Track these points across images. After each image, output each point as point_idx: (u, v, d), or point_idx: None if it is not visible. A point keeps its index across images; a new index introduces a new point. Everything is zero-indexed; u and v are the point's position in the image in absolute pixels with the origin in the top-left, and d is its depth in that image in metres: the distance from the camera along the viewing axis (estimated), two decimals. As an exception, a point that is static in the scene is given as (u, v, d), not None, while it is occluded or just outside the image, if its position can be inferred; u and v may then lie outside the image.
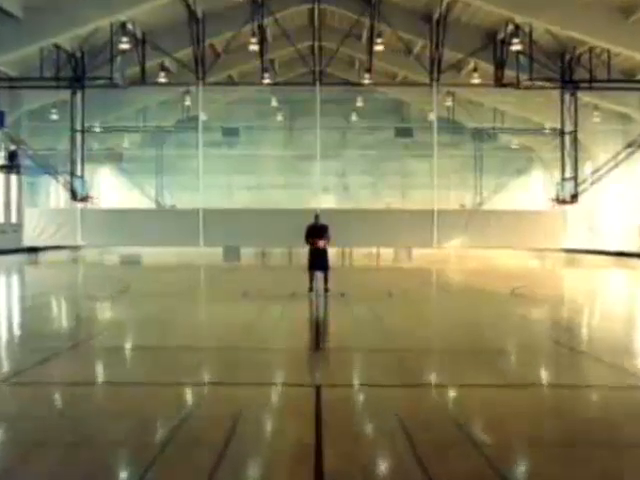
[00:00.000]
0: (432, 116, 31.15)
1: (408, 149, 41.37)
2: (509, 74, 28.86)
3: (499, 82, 28.72)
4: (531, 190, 39.05)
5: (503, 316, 11.87)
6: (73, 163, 28.69)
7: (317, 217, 14.93)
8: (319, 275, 14.73)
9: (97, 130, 35.29)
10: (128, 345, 9.20)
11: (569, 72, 28.07)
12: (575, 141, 28.50)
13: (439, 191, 33.47)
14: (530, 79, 27.26)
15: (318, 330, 10.39)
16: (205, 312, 12.66)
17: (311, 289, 14.49)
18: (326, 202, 34.31)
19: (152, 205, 39.79)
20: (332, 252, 15.08)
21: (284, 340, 9.30)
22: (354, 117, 41.73)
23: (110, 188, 39.75)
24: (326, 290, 14.42)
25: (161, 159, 40.75)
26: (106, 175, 40.07)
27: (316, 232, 14.65)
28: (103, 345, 8.85)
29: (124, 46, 27.47)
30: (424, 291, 16.52)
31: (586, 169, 32.34)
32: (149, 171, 40.71)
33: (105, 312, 12.67)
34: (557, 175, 31.65)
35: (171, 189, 40.77)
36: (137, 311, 12.32)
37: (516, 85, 28.05)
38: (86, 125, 32.54)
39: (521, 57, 27.51)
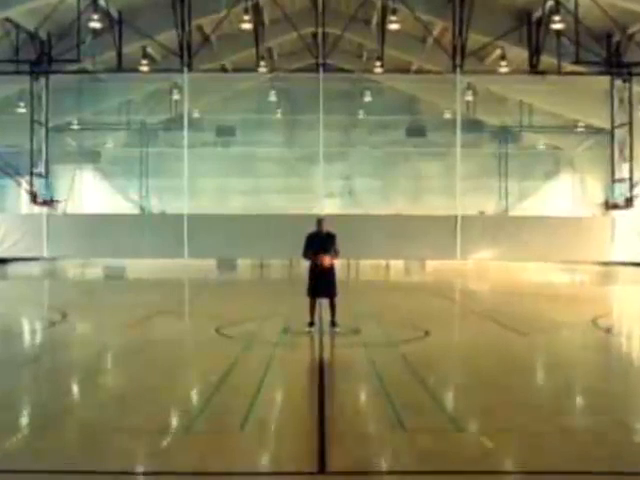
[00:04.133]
0: (455, 109, 27.17)
1: (421, 149, 37.30)
2: (545, 61, 24.74)
3: (535, 69, 24.49)
4: (560, 195, 34.80)
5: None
6: (33, 161, 24.47)
7: (320, 223, 10.76)
8: (323, 302, 10.57)
9: (70, 125, 31.12)
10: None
11: (616, 56, 23.90)
12: (631, 136, 24.21)
13: (453, 197, 29.51)
14: (576, 62, 23.01)
15: (322, 414, 6.09)
16: (143, 366, 8.40)
17: (312, 323, 10.37)
18: (330, 207, 30.49)
19: (135, 211, 35.65)
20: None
21: (258, 442, 5.12)
22: (361, 114, 37.76)
23: (89, 191, 35.56)
24: (333, 324, 10.31)
25: (146, 159, 36.61)
26: (85, 177, 35.88)
27: (320, 243, 10.47)
28: None
29: (94, 25, 23.36)
30: (473, 324, 12.20)
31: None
32: (133, 173, 36.55)
33: None
34: (590, 178, 27.60)
35: (159, 193, 36.56)
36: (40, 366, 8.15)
37: (557, 71, 23.78)
38: (59, 120, 28.58)
39: (562, 39, 23.28)
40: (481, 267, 27.46)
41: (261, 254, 27.97)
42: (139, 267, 27.55)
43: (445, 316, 12.98)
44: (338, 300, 10.45)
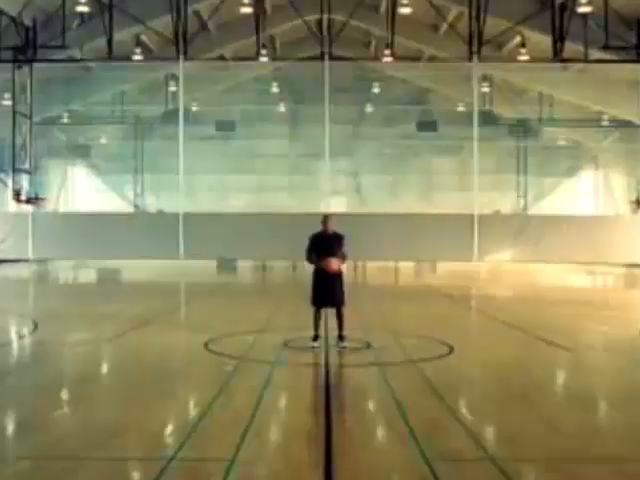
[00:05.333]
0: (469, 100, 26.12)
1: (432, 144, 36.12)
2: (570, 48, 23.50)
3: (558, 57, 23.22)
4: (582, 192, 33.50)
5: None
6: (16, 156, 23.32)
7: (326, 220, 9.50)
8: (330, 311, 9.38)
9: (60, 118, 29.96)
10: None
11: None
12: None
13: (468, 194, 28.54)
14: (605, 48, 21.71)
15: (328, 458, 4.81)
16: (107, 395, 7.15)
17: (316, 337, 9.14)
18: (336, 206, 29.56)
19: (130, 209, 34.54)
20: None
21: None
22: (369, 107, 36.61)
23: (82, 189, 34.41)
24: (341, 338, 9.11)
25: (141, 155, 35.46)
26: (77, 174, 34.73)
27: (326, 245, 9.22)
28: None
29: (82, 9, 22.20)
30: (503, 337, 10.84)
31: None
32: (127, 169, 35.39)
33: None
34: (615, 175, 26.30)
35: (156, 191, 35.39)
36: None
37: (583, 59, 22.51)
38: (47, 113, 27.48)
39: (589, 24, 22.02)
40: (497, 269, 26.13)
41: (262, 255, 27.03)
42: (133, 269, 26.39)
43: (469, 327, 11.70)
44: (346, 309, 9.23)
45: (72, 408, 6.38)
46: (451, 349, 9.00)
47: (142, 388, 6.93)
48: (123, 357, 8.78)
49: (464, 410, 6.31)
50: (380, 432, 5.72)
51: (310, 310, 9.33)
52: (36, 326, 11.16)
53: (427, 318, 12.81)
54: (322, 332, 9.46)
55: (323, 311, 9.45)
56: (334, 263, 9.14)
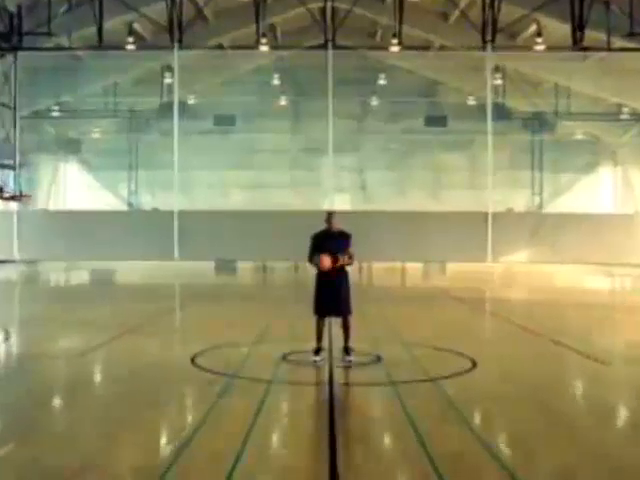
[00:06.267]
0: (481, 93, 25.27)
1: (441, 139, 35.14)
2: (590, 36, 22.57)
3: (579, 46, 22.27)
4: (600, 190, 32.51)
5: None
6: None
7: (331, 217, 8.56)
8: (334, 320, 8.55)
9: (50, 111, 29.07)
10: None
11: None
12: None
13: (478, 191, 27.73)
14: (631, 34, 20.76)
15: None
16: (71, 424, 6.20)
17: (319, 350, 8.22)
18: (340, 203, 28.77)
19: (124, 207, 33.63)
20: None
21: None
22: (375, 100, 35.66)
23: (74, 186, 33.46)
24: (347, 351, 8.22)
25: (136, 150, 34.53)
26: (69, 170, 33.79)
27: (330, 245, 8.28)
28: None
29: (70, -7, 21.33)
30: (531, 349, 9.72)
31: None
32: (121, 165, 34.46)
33: None
34: (636, 171, 25.31)
35: (151, 188, 34.44)
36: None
37: (605, 47, 21.56)
38: (36, 106, 26.61)
39: (612, 9, 21.08)
40: (509, 270, 25.15)
41: (262, 256, 26.22)
42: (127, 271, 25.50)
43: (490, 336, 10.71)
44: (352, 316, 8.30)
45: (18, 444, 5.41)
46: (474, 363, 8.05)
47: (108, 419, 5.95)
48: (92, 376, 7.84)
49: (498, 442, 5.35)
50: (396, 471, 4.78)
51: (312, 318, 8.39)
52: (7, 335, 10.23)
53: (442, 325, 11.85)
54: (326, 343, 8.54)
55: (327, 319, 8.53)
56: (325, 260, 8.15)
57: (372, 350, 8.75)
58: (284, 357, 8.40)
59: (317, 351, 8.21)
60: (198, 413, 5.89)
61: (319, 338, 8.29)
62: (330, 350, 8.61)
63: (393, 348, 9.12)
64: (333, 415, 6.07)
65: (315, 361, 8.09)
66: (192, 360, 8.11)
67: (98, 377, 7.76)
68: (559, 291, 19.25)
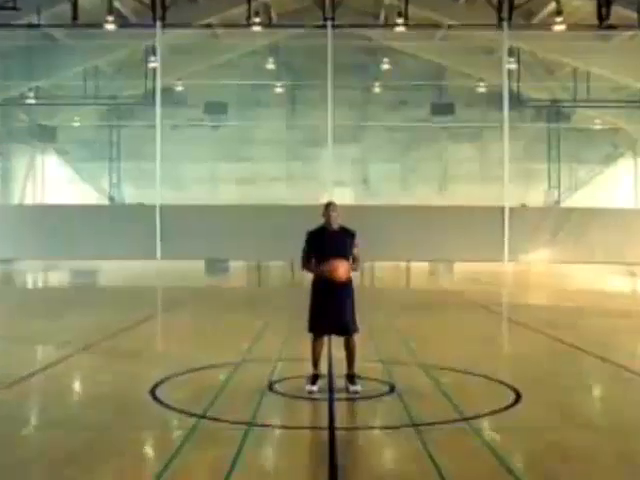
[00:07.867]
0: (492, 79, 23.83)
1: (449, 129, 34.03)
2: (617, 13, 21.14)
3: (605, 24, 20.81)
4: (621, 183, 31.25)
5: None
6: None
7: (329, 210, 6.94)
8: (335, 339, 7.02)
9: (25, 98, 27.57)
10: None
11: None
12: None
13: (488, 186, 26.60)
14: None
15: None
16: None
17: (316, 378, 6.60)
18: (340, 198, 27.31)
19: (105, 201, 32.29)
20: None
21: None
22: (377, 88, 34.62)
23: (52, 179, 32.00)
24: (352, 380, 6.61)
25: (118, 140, 33.16)
26: (47, 161, 32.34)
27: (329, 245, 6.72)
28: None
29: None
30: (589, 373, 8.04)
31: None
32: (102, 156, 33.10)
33: None
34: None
35: (135, 181, 33.11)
36: None
37: (636, 25, 20.13)
38: (8, 92, 25.15)
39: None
40: (529, 271, 23.64)
41: (255, 255, 24.88)
42: (106, 271, 23.98)
43: (530, 355, 8.94)
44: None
45: None
46: (517, 394, 6.44)
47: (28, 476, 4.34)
48: (21, 413, 6.20)
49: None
50: None
51: (308, 336, 6.81)
52: None
53: (464, 339, 10.22)
54: (324, 366, 6.97)
55: (326, 337, 6.94)
56: (341, 268, 6.58)
57: (383, 376, 7.17)
58: (270, 386, 6.80)
59: (313, 380, 6.60)
60: (150, 469, 4.26)
61: (315, 362, 6.70)
62: (329, 374, 7.04)
63: (409, 372, 7.51)
64: (335, 475, 4.47)
65: (311, 392, 6.50)
66: (152, 391, 6.49)
67: (21, 421, 6.07)
68: (593, 296, 17.48)
